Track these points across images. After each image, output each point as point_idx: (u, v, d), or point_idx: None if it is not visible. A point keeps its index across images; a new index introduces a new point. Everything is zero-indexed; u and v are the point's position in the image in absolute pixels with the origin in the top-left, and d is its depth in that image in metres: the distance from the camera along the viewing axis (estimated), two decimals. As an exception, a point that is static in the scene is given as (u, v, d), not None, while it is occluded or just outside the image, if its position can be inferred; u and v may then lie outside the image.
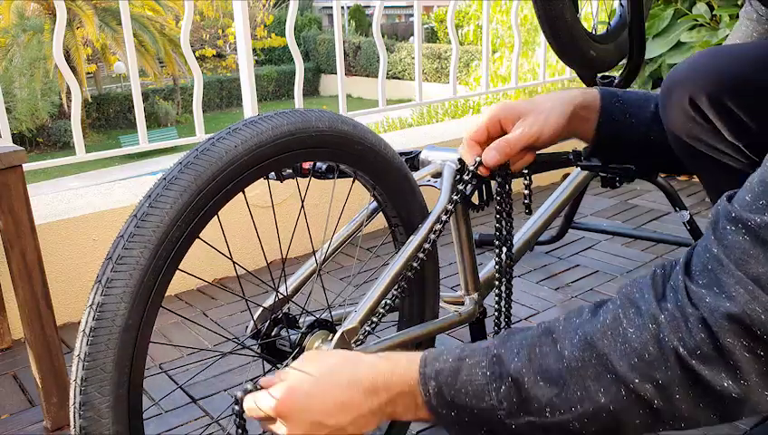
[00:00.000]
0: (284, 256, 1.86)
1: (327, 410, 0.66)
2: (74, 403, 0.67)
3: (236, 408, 0.73)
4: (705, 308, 0.54)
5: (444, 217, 0.99)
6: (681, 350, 0.54)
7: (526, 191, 1.02)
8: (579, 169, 1.41)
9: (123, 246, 0.69)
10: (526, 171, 0.98)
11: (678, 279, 0.57)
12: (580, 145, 1.03)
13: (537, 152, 0.95)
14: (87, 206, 1.86)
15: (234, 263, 1.08)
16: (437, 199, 1.03)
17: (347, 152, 0.89)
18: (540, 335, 0.62)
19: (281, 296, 0.95)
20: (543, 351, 0.60)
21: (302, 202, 1.00)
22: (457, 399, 0.63)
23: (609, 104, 0.93)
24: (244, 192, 0.79)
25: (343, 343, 0.87)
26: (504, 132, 0.92)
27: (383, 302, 0.92)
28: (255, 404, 0.71)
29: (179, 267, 0.73)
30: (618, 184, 1.13)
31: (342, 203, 1.05)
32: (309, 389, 0.68)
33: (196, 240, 0.75)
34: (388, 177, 0.96)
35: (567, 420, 0.59)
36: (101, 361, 0.67)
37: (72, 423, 0.68)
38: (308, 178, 1.00)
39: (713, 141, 0.85)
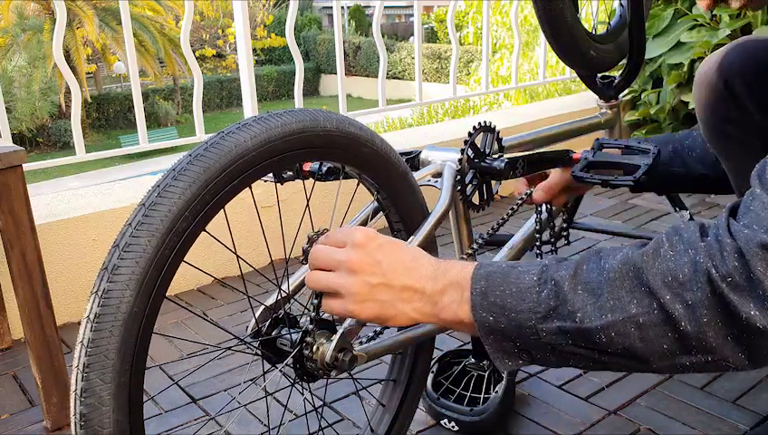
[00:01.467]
0: (288, 256, 1.86)
1: (395, 268, 0.70)
2: (75, 389, 0.67)
3: (305, 246, 0.75)
4: (742, 239, 0.56)
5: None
6: (714, 274, 0.56)
7: (564, 225, 1.30)
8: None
9: (131, 234, 0.69)
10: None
11: (722, 218, 0.60)
12: (579, 145, 1.04)
13: (536, 151, 0.97)
14: (87, 206, 1.86)
15: (238, 257, 1.08)
16: (438, 199, 1.03)
17: (353, 153, 0.90)
18: (589, 255, 0.65)
19: (282, 295, 0.95)
20: (589, 266, 0.63)
21: (308, 201, 1.00)
22: (500, 299, 0.65)
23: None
24: (251, 187, 0.79)
25: (344, 343, 0.87)
26: None
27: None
28: (325, 252, 0.73)
29: (185, 259, 0.74)
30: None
31: (341, 203, 1.05)
32: (383, 242, 0.72)
33: (202, 234, 0.75)
34: (391, 178, 0.96)
35: (595, 328, 0.60)
36: (105, 347, 0.67)
37: (72, 411, 0.68)
38: (310, 179, 1.00)
39: (742, 122, 0.89)
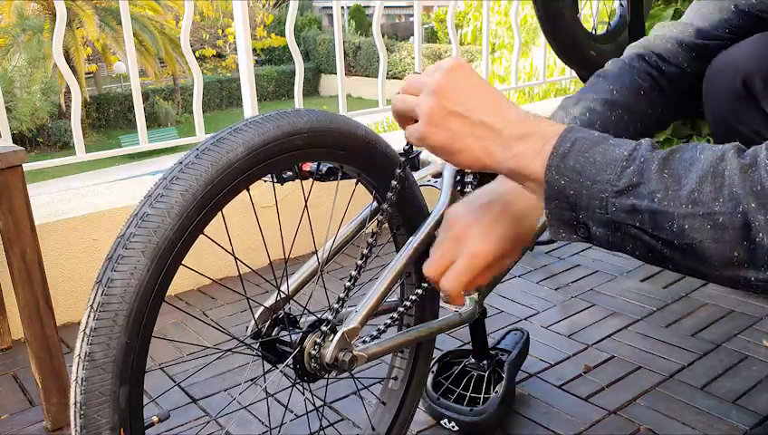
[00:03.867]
0: (287, 256, 1.86)
1: (477, 101, 0.67)
2: (75, 402, 0.67)
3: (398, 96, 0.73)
4: None
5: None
6: None
7: None
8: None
9: (136, 225, 0.69)
10: None
11: None
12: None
13: None
14: (87, 206, 1.86)
15: (236, 259, 1.08)
16: (438, 199, 1.03)
17: (356, 154, 0.90)
18: (687, 145, 0.61)
19: (282, 296, 0.95)
20: (683, 155, 0.60)
21: (306, 202, 1.00)
22: (579, 165, 0.61)
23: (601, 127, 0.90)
24: (248, 189, 0.79)
25: (344, 344, 0.87)
26: None
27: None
28: (415, 78, 0.71)
29: (183, 263, 0.73)
30: None
31: (339, 203, 1.05)
32: (473, 75, 0.69)
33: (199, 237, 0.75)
34: (391, 178, 0.96)
35: (671, 214, 0.58)
36: (102, 360, 0.67)
37: (72, 423, 0.68)
38: (309, 180, 1.00)
39: (760, 125, 0.85)
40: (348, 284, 0.90)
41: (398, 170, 0.85)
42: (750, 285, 0.57)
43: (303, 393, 0.99)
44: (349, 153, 0.89)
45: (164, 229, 0.69)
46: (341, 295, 0.90)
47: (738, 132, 0.88)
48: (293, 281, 0.97)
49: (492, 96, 0.68)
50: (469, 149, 0.67)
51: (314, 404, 1.06)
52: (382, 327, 0.94)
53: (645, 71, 0.91)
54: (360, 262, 0.88)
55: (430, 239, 0.99)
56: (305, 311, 0.93)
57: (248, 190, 0.79)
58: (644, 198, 0.59)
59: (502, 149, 0.66)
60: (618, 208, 0.60)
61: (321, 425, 1.27)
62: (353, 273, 0.89)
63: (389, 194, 0.86)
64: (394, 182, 0.85)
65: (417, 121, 0.70)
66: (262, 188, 1.98)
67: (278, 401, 1.39)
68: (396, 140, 2.64)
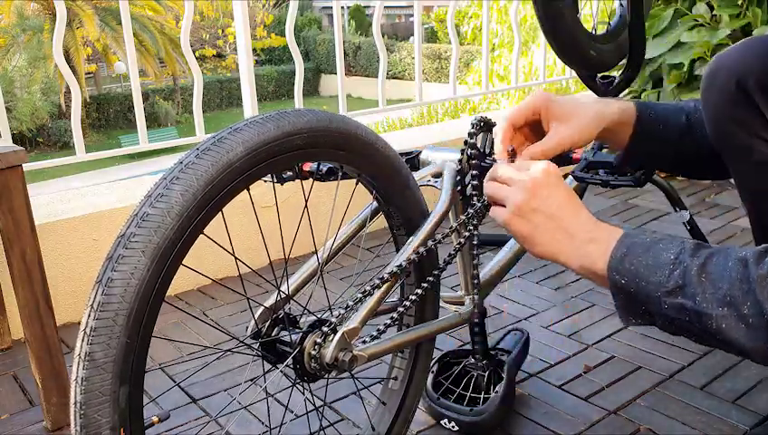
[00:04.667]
0: (287, 256, 1.86)
1: (561, 207, 0.79)
2: (75, 402, 0.67)
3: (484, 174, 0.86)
4: None
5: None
6: None
7: None
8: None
9: (136, 225, 0.69)
10: None
11: None
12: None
13: None
14: (87, 206, 1.86)
15: (236, 259, 1.08)
16: (438, 199, 1.03)
17: (357, 155, 0.90)
18: (720, 249, 0.71)
19: (282, 296, 0.95)
20: (717, 260, 0.69)
21: (305, 202, 1.00)
22: (635, 268, 0.72)
23: (643, 121, 0.97)
24: (248, 189, 0.79)
25: (344, 344, 0.87)
26: (537, 121, 0.94)
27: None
28: (508, 169, 0.83)
29: (183, 263, 0.73)
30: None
31: (339, 203, 1.05)
32: (561, 183, 0.81)
33: (199, 237, 0.75)
34: (392, 179, 0.96)
35: (710, 314, 0.67)
36: (102, 359, 0.67)
37: (72, 423, 0.68)
38: (309, 180, 1.00)
39: (754, 126, 0.87)
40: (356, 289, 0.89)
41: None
42: None
43: (303, 393, 0.99)
44: (348, 153, 0.89)
45: (164, 229, 0.69)
46: (351, 302, 0.90)
47: (731, 134, 0.90)
48: (293, 281, 0.97)
49: (572, 202, 0.80)
50: (547, 244, 0.80)
51: (314, 404, 1.06)
52: (382, 327, 0.94)
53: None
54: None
55: (430, 239, 0.99)
56: (305, 311, 0.93)
57: (248, 190, 0.79)
58: (688, 298, 0.69)
59: (573, 249, 0.78)
60: (669, 306, 0.70)
61: (321, 425, 1.27)
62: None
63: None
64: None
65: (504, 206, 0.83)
66: (262, 188, 1.98)
67: (278, 401, 1.39)
68: (395, 140, 2.65)
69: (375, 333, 0.95)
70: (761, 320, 0.64)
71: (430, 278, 0.99)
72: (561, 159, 1.12)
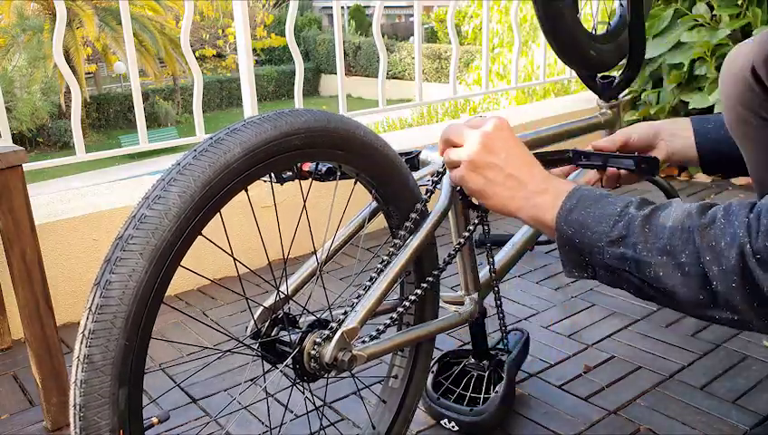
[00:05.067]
0: (286, 256, 1.86)
1: (514, 159, 0.82)
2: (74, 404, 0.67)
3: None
4: None
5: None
6: (746, 248, 0.64)
7: None
8: (580, 169, 1.41)
9: (134, 227, 0.70)
10: None
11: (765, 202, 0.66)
12: (580, 145, 1.03)
13: (535, 151, 0.96)
14: (87, 206, 1.86)
15: (235, 260, 1.08)
16: (437, 200, 1.03)
17: (356, 155, 0.90)
18: (666, 204, 0.73)
19: (281, 296, 0.95)
20: (662, 213, 0.71)
21: (305, 202, 1.00)
22: (582, 218, 0.74)
23: (700, 127, 1.08)
24: (246, 190, 0.79)
25: (343, 344, 0.87)
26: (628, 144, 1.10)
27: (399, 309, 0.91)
28: (458, 127, 0.86)
29: (182, 264, 0.73)
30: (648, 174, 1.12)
31: (338, 204, 1.05)
32: (512, 136, 0.84)
33: (199, 238, 0.75)
34: (391, 179, 0.96)
35: (649, 263, 0.70)
36: (101, 360, 0.67)
37: (72, 425, 0.68)
38: (308, 180, 1.00)
39: (764, 110, 0.89)
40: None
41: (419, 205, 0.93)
42: (717, 321, 0.69)
43: (303, 393, 0.99)
44: (347, 153, 0.89)
45: (162, 231, 0.69)
46: (355, 300, 0.90)
47: (745, 120, 0.92)
48: (293, 281, 0.97)
49: (525, 155, 0.83)
50: (500, 195, 0.82)
51: (314, 404, 1.06)
52: (381, 327, 0.94)
53: None
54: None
55: (429, 239, 0.99)
56: (304, 310, 0.93)
57: (246, 191, 0.79)
58: (630, 248, 0.71)
59: (524, 201, 0.80)
60: (611, 256, 0.72)
61: (321, 425, 1.27)
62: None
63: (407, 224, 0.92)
64: (414, 215, 0.86)
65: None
66: (262, 189, 1.99)
67: (278, 401, 1.39)
68: (395, 140, 2.65)
69: (375, 334, 0.95)
70: (697, 269, 0.66)
71: (430, 278, 0.99)
72: (555, 161, 1.11)
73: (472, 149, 0.83)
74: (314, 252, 1.00)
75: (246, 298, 0.94)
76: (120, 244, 0.69)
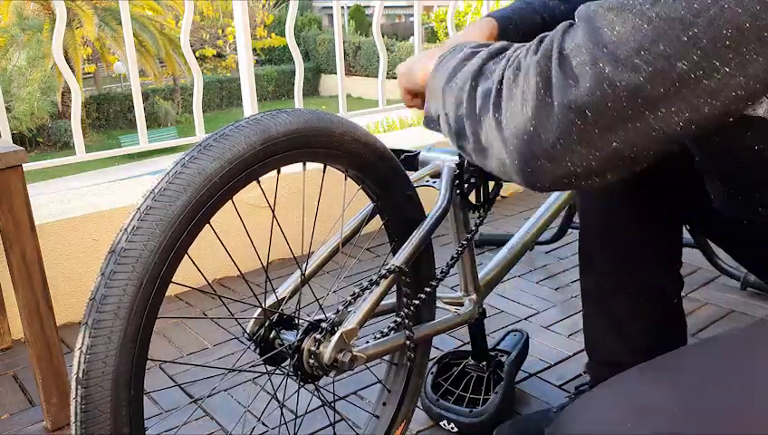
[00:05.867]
0: (266, 265, 1.86)
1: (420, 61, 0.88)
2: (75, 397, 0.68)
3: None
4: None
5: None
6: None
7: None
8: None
9: (139, 218, 0.70)
10: None
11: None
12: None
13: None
14: (87, 206, 1.86)
15: (235, 262, 1.08)
16: (436, 200, 1.03)
17: (358, 157, 0.90)
18: (493, 50, 0.69)
19: (280, 296, 0.95)
20: (464, 52, 0.71)
21: (303, 203, 1.00)
22: (443, 68, 0.72)
23: (506, 32, 1.04)
24: (234, 196, 0.79)
25: (342, 344, 0.87)
26: None
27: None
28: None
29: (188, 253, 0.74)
30: None
31: (338, 203, 1.05)
32: (425, 55, 0.88)
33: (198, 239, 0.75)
34: (390, 181, 0.97)
35: (450, 101, 0.68)
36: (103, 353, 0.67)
37: (72, 419, 0.68)
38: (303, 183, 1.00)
39: None
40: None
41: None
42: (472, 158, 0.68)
43: (313, 393, 0.99)
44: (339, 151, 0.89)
45: (153, 244, 0.69)
46: (349, 298, 0.90)
47: None
48: (292, 282, 0.97)
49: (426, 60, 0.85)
50: (416, 71, 0.88)
51: (324, 400, 1.06)
52: (385, 330, 0.94)
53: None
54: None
55: (428, 240, 0.99)
56: (299, 312, 0.93)
57: (233, 201, 0.78)
58: (447, 91, 0.69)
59: (426, 67, 0.81)
60: (442, 99, 0.70)
61: (333, 420, 1.27)
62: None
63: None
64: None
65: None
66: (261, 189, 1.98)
67: (278, 402, 1.38)
68: (395, 140, 2.64)
69: (378, 335, 0.95)
70: (461, 95, 0.65)
71: (428, 289, 0.99)
72: None
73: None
74: (308, 254, 1.00)
75: (244, 300, 0.94)
76: (113, 257, 0.69)
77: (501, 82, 0.61)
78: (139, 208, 0.71)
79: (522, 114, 0.57)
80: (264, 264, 1.92)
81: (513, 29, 1.03)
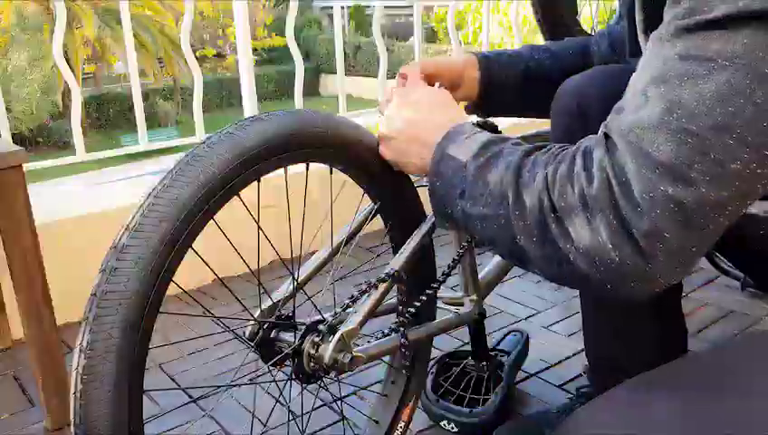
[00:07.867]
0: (292, 256, 1.86)
1: (411, 120, 0.85)
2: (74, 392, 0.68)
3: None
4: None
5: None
6: (546, 204, 0.62)
7: None
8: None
9: (142, 214, 0.72)
10: None
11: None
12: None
13: None
14: (87, 206, 1.86)
15: (242, 258, 1.08)
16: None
17: (358, 158, 0.91)
18: (502, 149, 0.70)
19: (281, 296, 0.95)
20: (496, 162, 0.69)
21: (304, 202, 1.00)
22: (444, 170, 0.74)
23: (488, 71, 1.08)
24: (238, 195, 0.79)
25: (342, 345, 0.87)
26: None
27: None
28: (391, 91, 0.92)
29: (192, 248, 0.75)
30: None
31: (338, 204, 1.05)
32: (408, 94, 0.89)
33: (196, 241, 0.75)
34: (390, 181, 0.96)
35: (474, 215, 0.69)
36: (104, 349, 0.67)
37: (71, 415, 0.68)
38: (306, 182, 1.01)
39: None
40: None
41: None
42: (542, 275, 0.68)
43: (317, 394, 0.99)
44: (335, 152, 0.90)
45: (155, 241, 0.70)
46: (347, 300, 0.90)
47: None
48: (286, 286, 0.97)
49: (421, 113, 0.84)
50: (410, 163, 0.85)
51: (336, 396, 1.06)
52: (386, 331, 0.94)
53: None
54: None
55: (428, 241, 0.99)
56: (295, 312, 0.93)
57: (239, 196, 0.79)
58: (466, 201, 0.70)
59: (422, 156, 0.80)
60: (459, 208, 0.71)
61: (342, 416, 1.27)
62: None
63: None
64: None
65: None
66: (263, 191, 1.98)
67: (278, 402, 1.38)
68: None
69: (379, 335, 0.95)
70: (507, 223, 0.65)
71: (429, 292, 0.99)
72: None
73: (383, 126, 0.89)
74: (300, 257, 0.99)
75: (243, 301, 0.94)
76: (115, 253, 0.69)
77: (554, 210, 0.61)
78: (141, 206, 0.71)
79: (599, 244, 0.59)
80: (268, 263, 1.92)
81: (496, 69, 1.08)
